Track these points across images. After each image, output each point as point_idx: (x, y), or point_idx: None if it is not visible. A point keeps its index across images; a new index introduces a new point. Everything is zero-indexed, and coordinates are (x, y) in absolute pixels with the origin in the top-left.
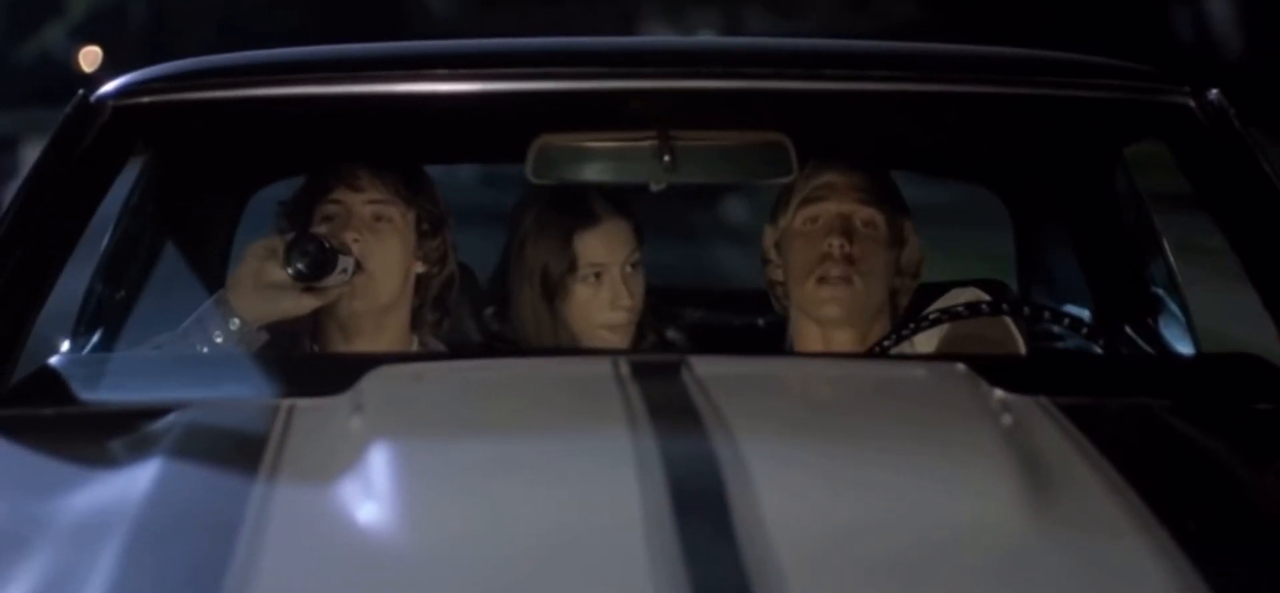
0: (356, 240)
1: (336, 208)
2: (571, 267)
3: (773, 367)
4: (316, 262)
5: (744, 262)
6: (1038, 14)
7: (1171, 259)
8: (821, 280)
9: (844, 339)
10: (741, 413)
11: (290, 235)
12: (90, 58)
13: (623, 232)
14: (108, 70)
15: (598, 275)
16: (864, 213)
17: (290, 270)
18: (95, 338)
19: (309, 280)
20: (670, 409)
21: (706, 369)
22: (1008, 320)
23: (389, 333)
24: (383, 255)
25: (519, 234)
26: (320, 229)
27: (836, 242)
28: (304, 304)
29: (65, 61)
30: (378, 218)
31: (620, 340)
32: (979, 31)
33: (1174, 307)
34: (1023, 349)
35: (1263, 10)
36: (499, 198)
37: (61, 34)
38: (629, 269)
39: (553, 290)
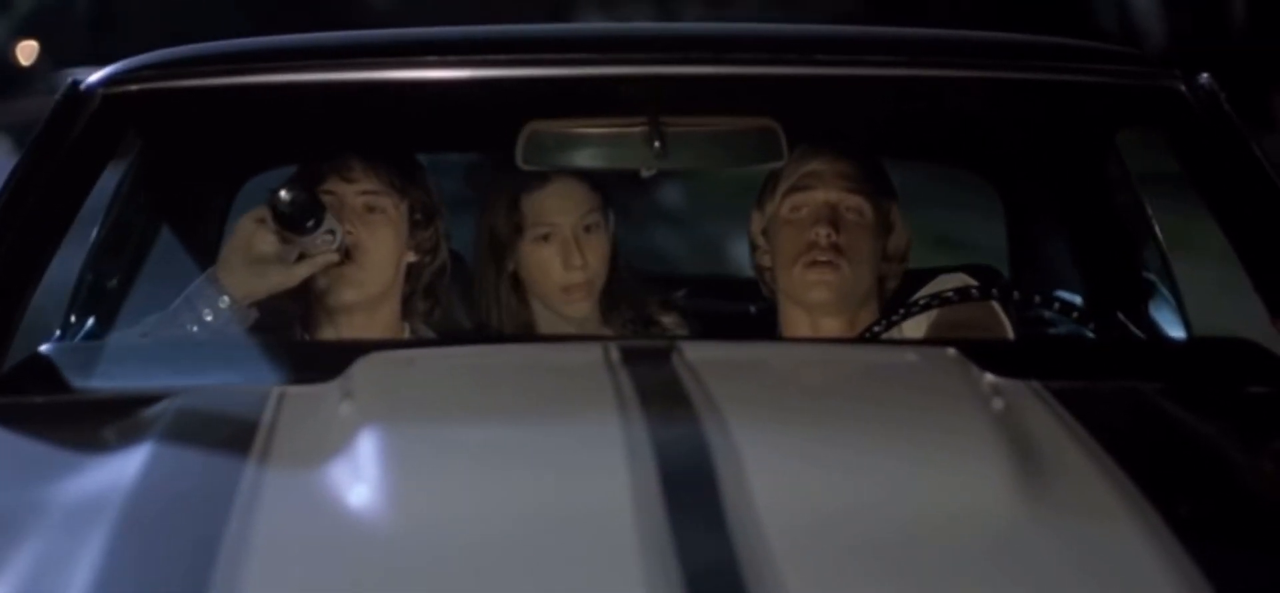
0: (349, 233)
1: (329, 198)
2: (518, 228)
3: (764, 352)
4: (304, 206)
5: (679, 244)
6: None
7: (1163, 244)
8: (809, 264)
9: (831, 325)
10: (732, 398)
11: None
12: (27, 51)
13: (575, 192)
14: (45, 64)
15: (546, 237)
16: (851, 201)
17: (278, 201)
18: (87, 326)
19: (295, 225)
20: (661, 394)
21: (697, 354)
22: (996, 305)
23: (380, 322)
24: (375, 245)
25: (477, 206)
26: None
27: (823, 231)
28: (294, 275)
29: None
30: (370, 209)
31: (582, 300)
32: (909, 23)
33: (1165, 291)
34: (1011, 334)
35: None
36: (447, 187)
37: (5, 29)
38: (583, 231)
39: (501, 253)
